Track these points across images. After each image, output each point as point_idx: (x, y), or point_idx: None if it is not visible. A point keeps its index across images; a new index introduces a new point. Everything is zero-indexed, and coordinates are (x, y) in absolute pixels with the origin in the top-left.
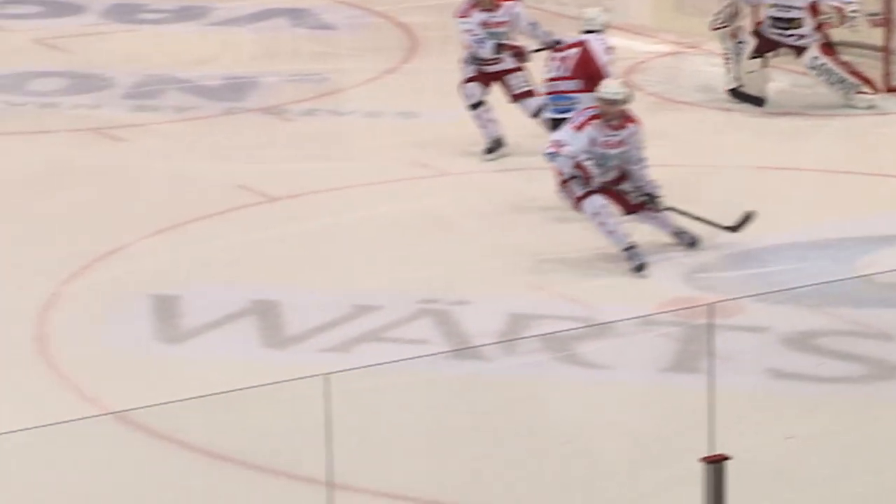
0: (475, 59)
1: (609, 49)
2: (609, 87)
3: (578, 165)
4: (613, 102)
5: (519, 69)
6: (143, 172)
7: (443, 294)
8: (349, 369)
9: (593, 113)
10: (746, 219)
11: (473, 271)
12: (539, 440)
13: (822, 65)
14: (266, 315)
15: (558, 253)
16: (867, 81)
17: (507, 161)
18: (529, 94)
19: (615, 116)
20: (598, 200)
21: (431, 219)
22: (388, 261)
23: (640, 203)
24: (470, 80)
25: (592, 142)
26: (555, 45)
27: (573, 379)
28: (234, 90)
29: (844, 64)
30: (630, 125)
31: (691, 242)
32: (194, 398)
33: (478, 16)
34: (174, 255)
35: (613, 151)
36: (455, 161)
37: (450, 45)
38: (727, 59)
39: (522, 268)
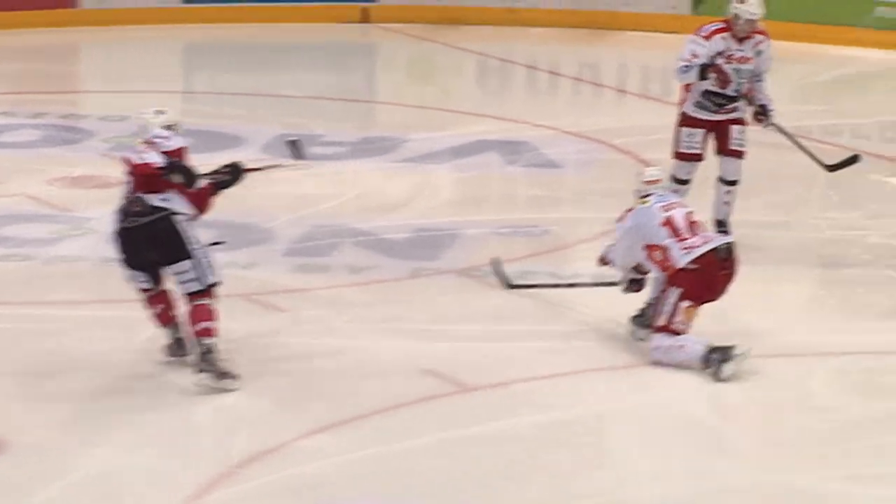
0: None
1: None
2: None
3: None
4: None
5: None
6: (306, 350)
7: None
8: None
9: None
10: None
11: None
12: None
13: None
14: None
15: None
16: None
17: None
18: None
19: None
20: None
21: (680, 418)
22: (624, 472)
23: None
24: None
25: None
26: None
27: None
28: (425, 246)
29: None
30: None
31: None
32: None
33: None
34: (341, 460)
35: None
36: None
37: (702, 188)
38: None
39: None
